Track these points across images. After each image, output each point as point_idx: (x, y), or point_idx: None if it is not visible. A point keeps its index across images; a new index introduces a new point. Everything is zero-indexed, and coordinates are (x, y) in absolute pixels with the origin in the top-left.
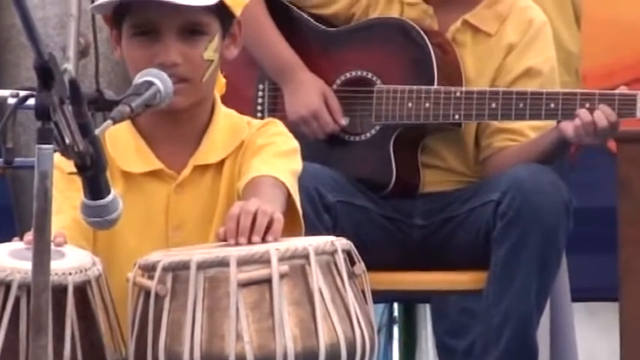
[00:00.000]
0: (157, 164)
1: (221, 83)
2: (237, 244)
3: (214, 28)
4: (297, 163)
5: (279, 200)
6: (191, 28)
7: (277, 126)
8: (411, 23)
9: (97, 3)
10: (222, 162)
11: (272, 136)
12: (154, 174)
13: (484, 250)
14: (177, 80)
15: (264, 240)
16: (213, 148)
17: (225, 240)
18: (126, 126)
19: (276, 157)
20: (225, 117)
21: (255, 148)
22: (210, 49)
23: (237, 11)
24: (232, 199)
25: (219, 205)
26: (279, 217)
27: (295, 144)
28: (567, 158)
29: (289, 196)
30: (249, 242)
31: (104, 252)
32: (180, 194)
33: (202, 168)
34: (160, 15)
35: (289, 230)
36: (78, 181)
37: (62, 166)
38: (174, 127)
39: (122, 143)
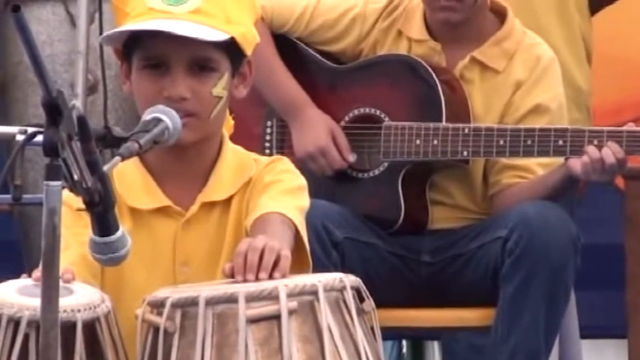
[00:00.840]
0: (165, 201)
1: (229, 124)
2: (244, 280)
3: (224, 66)
4: (304, 200)
5: (287, 237)
6: (201, 63)
7: (284, 163)
8: (418, 60)
9: (107, 34)
10: (229, 199)
11: (279, 174)
12: (161, 210)
13: (492, 287)
14: (184, 114)
15: (271, 277)
16: (220, 185)
17: (232, 276)
18: (133, 162)
19: (283, 195)
20: (233, 154)
21: (263, 186)
22: (220, 86)
23: (248, 50)
24: (240, 236)
25: (227, 242)
26: (286, 253)
27: (303, 181)
28: (576, 195)
29: (297, 233)
30: (257, 279)
31: (112, 288)
32: (188, 231)
33: (210, 205)
34: (171, 48)
35: (297, 267)
36: (86, 217)
37: (70, 202)
38: (182, 164)
39: (129, 179)
